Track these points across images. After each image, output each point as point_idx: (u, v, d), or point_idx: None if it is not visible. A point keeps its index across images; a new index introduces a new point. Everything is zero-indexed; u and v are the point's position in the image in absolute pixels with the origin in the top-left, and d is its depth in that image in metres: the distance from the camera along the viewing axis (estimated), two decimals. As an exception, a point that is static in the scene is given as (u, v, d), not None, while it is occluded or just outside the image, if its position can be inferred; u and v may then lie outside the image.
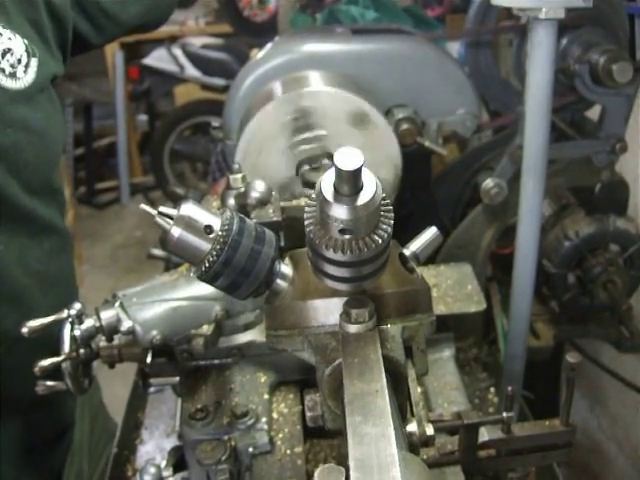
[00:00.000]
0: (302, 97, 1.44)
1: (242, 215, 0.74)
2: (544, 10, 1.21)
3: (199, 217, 0.70)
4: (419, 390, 1.05)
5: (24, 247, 1.18)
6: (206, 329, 1.11)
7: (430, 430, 0.77)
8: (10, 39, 1.10)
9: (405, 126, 1.55)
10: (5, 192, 1.10)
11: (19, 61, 1.11)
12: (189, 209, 0.70)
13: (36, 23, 1.17)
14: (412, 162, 1.56)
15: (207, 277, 0.72)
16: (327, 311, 0.73)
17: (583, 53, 1.54)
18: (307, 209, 0.65)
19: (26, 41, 1.12)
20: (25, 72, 1.12)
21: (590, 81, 1.51)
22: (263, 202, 1.17)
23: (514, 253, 1.45)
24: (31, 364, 0.95)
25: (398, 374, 0.74)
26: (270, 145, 1.47)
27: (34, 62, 1.13)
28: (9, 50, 1.09)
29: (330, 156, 1.44)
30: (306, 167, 1.46)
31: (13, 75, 1.09)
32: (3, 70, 1.07)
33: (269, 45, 1.72)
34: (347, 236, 0.62)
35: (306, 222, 0.65)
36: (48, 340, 1.03)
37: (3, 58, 1.08)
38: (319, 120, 1.46)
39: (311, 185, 1.40)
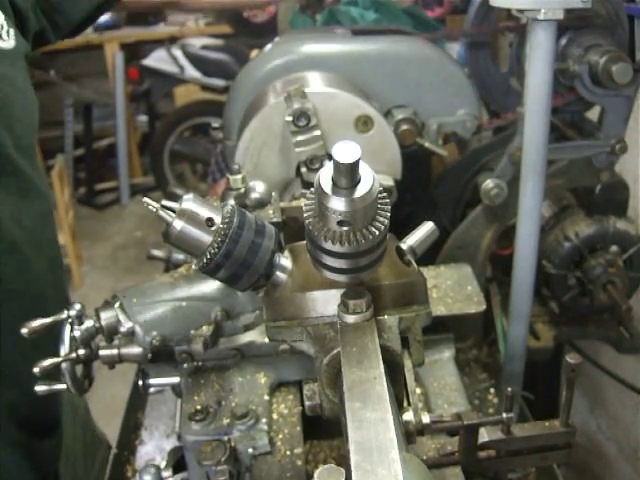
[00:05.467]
0: (302, 98, 1.44)
1: (243, 209, 0.75)
2: (543, 11, 1.21)
3: (201, 210, 0.72)
4: (418, 391, 1.04)
5: (16, 204, 1.21)
6: (206, 330, 1.11)
7: (426, 418, 0.77)
8: None
9: (405, 127, 1.55)
10: (1, 145, 1.14)
11: (2, 26, 1.17)
12: (191, 202, 0.71)
13: (4, 7, 1.22)
14: (412, 163, 1.56)
15: (208, 269, 0.73)
16: (325, 302, 0.74)
17: (583, 54, 1.53)
18: (306, 202, 0.66)
19: (2, 15, 1.19)
20: (8, 36, 1.19)
21: (590, 82, 1.51)
22: (263, 203, 1.17)
23: (514, 254, 1.45)
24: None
25: (395, 364, 0.75)
26: (270, 146, 1.47)
27: (12, 32, 1.20)
28: None
29: (330, 157, 1.43)
30: (305, 169, 1.47)
31: None
32: None
33: (269, 46, 1.72)
34: (345, 228, 0.63)
35: (305, 215, 0.65)
36: (41, 302, 1.13)
37: None
38: (318, 121, 1.45)
39: (311, 186, 1.39)
